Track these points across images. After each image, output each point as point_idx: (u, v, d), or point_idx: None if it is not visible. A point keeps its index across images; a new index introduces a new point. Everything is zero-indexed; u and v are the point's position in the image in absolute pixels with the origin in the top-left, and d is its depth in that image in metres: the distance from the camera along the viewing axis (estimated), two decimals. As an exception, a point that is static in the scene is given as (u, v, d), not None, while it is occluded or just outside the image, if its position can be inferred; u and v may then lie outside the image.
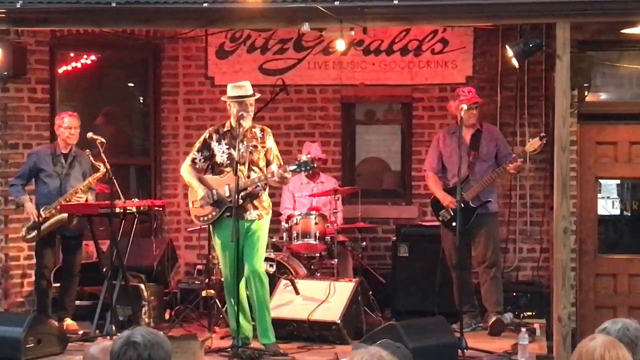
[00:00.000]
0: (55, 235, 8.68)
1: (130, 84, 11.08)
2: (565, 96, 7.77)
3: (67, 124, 8.64)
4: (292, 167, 7.62)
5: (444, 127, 9.51)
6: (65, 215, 8.41)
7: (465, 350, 7.48)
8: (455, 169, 8.42)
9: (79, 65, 10.17)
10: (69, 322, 8.59)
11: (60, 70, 9.96)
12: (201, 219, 7.89)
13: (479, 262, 8.70)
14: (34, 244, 8.76)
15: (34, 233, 8.53)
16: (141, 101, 10.95)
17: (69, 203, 8.43)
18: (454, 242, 8.25)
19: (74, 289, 8.81)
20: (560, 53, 7.71)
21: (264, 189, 7.81)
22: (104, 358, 4.22)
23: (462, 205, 8.18)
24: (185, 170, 7.99)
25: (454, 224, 8.28)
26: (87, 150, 8.58)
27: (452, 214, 8.47)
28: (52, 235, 8.65)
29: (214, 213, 7.78)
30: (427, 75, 10.28)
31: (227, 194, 7.69)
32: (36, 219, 8.48)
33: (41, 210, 8.49)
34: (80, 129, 8.76)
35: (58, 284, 8.86)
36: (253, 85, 7.95)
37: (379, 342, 4.10)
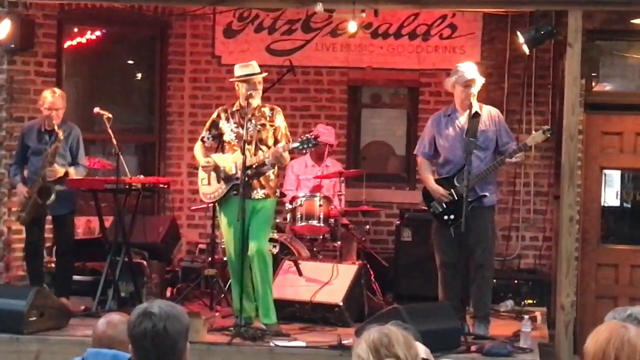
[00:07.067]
0: (42, 212, 8.41)
1: (137, 61, 11.04)
2: (575, 84, 7.77)
3: (48, 105, 8.33)
4: (295, 144, 7.61)
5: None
6: (33, 194, 8.25)
7: (467, 336, 7.47)
8: (449, 156, 7.81)
9: (85, 40, 10.13)
10: (63, 300, 8.28)
11: (66, 45, 9.91)
12: (208, 196, 7.89)
13: (469, 259, 7.75)
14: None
15: (24, 214, 8.38)
16: (147, 78, 10.91)
17: (75, 178, 8.36)
18: (444, 236, 7.81)
19: (66, 268, 8.60)
20: (572, 41, 7.70)
21: (272, 169, 7.79)
22: (113, 331, 4.22)
23: (456, 197, 7.69)
24: (197, 149, 8.04)
25: (445, 217, 7.79)
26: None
27: (445, 206, 7.77)
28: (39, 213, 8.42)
29: (220, 190, 7.77)
30: (435, 60, 10.25)
31: (234, 170, 7.68)
32: (24, 199, 8.35)
33: (27, 188, 8.35)
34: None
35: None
36: (260, 66, 7.92)
37: (388, 323, 4.07)
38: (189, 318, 3.56)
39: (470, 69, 7.83)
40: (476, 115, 7.78)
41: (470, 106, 7.75)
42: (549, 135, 7.79)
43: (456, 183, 7.75)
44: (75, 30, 10.06)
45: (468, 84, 7.73)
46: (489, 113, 7.90)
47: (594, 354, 3.49)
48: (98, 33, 10.20)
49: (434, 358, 4.22)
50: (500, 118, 7.96)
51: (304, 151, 8.72)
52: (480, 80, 7.79)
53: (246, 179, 7.54)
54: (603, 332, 3.52)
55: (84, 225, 9.76)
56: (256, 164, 7.64)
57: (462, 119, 7.80)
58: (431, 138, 7.96)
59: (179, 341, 3.48)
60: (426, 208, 8.12)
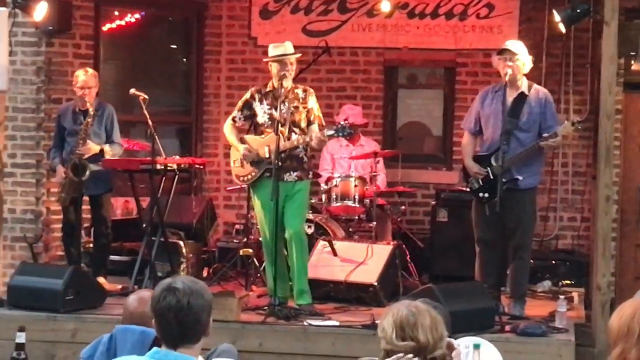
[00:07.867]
0: (80, 191, 8.50)
1: (174, 43, 11.09)
2: (612, 63, 7.65)
3: (81, 84, 8.43)
4: (330, 132, 7.60)
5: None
6: (68, 172, 8.33)
7: (502, 316, 7.44)
8: (490, 134, 7.67)
9: (123, 22, 10.19)
10: (100, 280, 8.45)
11: (104, 28, 9.98)
12: (241, 178, 7.93)
13: (508, 240, 7.71)
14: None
15: (63, 194, 8.47)
16: (184, 60, 10.96)
17: (111, 158, 8.43)
18: (480, 214, 7.74)
19: (103, 248, 8.73)
20: (608, 19, 7.59)
21: (305, 151, 7.79)
22: (142, 307, 4.27)
23: (491, 177, 7.60)
24: (227, 129, 8.02)
25: (480, 194, 7.71)
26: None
27: (481, 183, 7.69)
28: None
29: (253, 173, 7.81)
30: (472, 40, 10.19)
31: (267, 154, 7.70)
32: (63, 180, 8.44)
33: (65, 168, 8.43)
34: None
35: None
36: (296, 47, 7.89)
37: (417, 300, 4.07)
38: (211, 294, 3.59)
39: (512, 43, 7.76)
40: (523, 96, 7.62)
41: (516, 85, 7.61)
42: (579, 127, 7.72)
43: (493, 162, 7.64)
44: (116, 13, 10.12)
45: (500, 54, 7.61)
46: (537, 94, 7.69)
47: (618, 330, 3.47)
48: (136, 15, 10.26)
49: (464, 338, 4.22)
50: (548, 100, 7.71)
51: None
52: (524, 58, 7.65)
53: (279, 163, 7.55)
54: (627, 307, 3.49)
55: (122, 206, 9.84)
56: (289, 148, 7.65)
57: (509, 98, 7.60)
58: (477, 113, 7.83)
59: (202, 316, 3.51)
60: (463, 188, 8.10)
